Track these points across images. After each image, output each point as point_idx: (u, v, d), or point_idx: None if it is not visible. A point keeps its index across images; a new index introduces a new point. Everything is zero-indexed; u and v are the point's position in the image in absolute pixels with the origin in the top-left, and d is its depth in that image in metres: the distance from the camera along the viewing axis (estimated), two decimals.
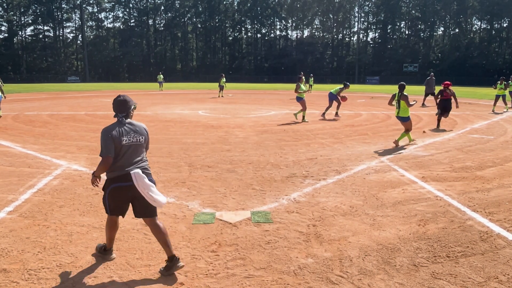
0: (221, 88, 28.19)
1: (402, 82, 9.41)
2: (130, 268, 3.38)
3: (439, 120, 12.55)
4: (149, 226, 3.41)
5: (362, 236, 4.07)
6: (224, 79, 28.31)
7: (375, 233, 4.15)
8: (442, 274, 3.31)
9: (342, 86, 15.37)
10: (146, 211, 3.35)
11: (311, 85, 35.37)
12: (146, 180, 3.26)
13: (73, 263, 3.46)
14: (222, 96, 27.61)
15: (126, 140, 3.26)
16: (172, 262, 3.27)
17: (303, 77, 14.53)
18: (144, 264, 3.45)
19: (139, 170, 3.26)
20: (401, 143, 9.42)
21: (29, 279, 3.18)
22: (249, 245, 3.84)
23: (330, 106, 15.22)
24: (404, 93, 9.12)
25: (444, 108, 12.34)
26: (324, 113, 15.13)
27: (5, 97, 15.48)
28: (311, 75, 37.54)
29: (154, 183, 3.39)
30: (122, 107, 3.36)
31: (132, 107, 3.44)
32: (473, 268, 3.42)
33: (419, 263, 3.49)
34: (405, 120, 9.24)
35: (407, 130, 9.24)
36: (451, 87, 12.30)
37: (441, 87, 12.47)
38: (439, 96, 12.37)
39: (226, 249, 3.75)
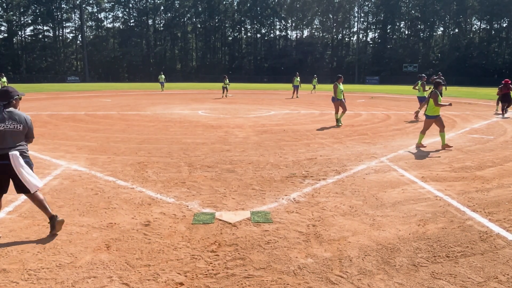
0: (224, 89, 27.78)
1: (438, 80, 9.03)
2: (130, 268, 3.37)
3: (503, 110, 16.21)
4: (30, 199, 4.02)
5: (362, 236, 4.07)
6: (227, 80, 27.89)
7: (374, 233, 4.15)
8: (442, 274, 3.31)
9: (421, 81, 14.65)
10: (25, 188, 3.85)
11: (315, 86, 35.02)
12: (22, 161, 3.78)
13: (72, 263, 3.45)
14: (225, 96, 27.22)
15: (3, 126, 3.74)
16: (53, 220, 3.92)
17: (342, 77, 13.18)
18: (144, 264, 3.45)
19: (17, 152, 3.78)
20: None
21: (29, 279, 3.17)
22: (249, 245, 3.84)
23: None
24: (436, 91, 8.77)
25: (505, 100, 16.22)
26: (417, 114, 14.70)
27: None
28: (315, 75, 36.94)
29: (31, 166, 3.93)
30: (2, 96, 3.85)
31: (16, 97, 3.92)
32: (472, 268, 3.42)
33: (418, 263, 3.49)
34: (430, 119, 8.89)
35: (441, 129, 8.84)
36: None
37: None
38: (501, 91, 16.48)
39: (226, 249, 3.75)
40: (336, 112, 12.86)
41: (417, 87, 15.15)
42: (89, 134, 10.60)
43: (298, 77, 28.63)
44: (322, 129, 12.10)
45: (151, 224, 4.35)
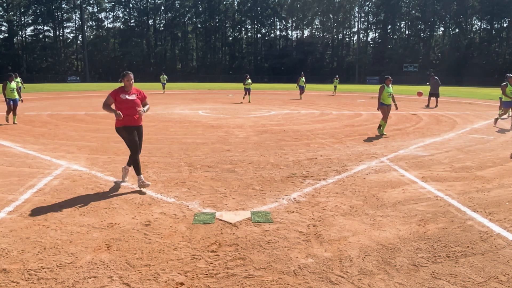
0: (247, 91, 23.70)
1: None
2: (130, 268, 3.38)
3: None
4: None
5: (362, 236, 4.07)
6: (249, 80, 23.71)
7: (375, 233, 4.15)
8: (442, 274, 3.30)
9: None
10: None
11: (336, 87, 33.07)
12: None
13: (73, 263, 3.45)
14: (249, 101, 23.23)
15: None
16: None
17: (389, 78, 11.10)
18: (144, 264, 3.45)
19: None
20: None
21: (29, 279, 3.17)
22: (249, 245, 3.84)
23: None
24: None
25: None
26: (497, 119, 13.23)
27: (21, 100, 13.52)
28: (336, 76, 35.02)
29: None
30: None
31: None
32: (473, 268, 3.42)
33: (419, 263, 3.49)
34: None
35: None
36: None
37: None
38: None
39: (226, 249, 3.75)
40: (384, 120, 10.79)
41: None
42: (90, 134, 10.61)
43: (303, 78, 27.15)
44: (322, 129, 12.08)
45: (151, 224, 4.35)
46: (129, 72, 5.59)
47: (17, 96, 12.77)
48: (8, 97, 12.54)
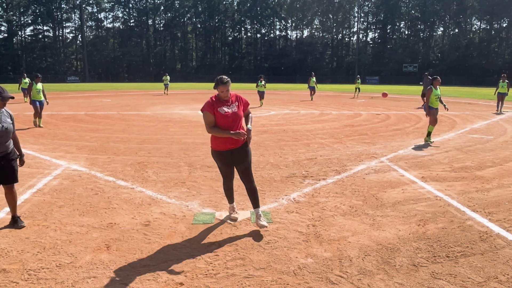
0: (261, 95, 20.89)
1: None
2: (130, 268, 3.37)
3: None
4: (6, 190, 4.23)
5: (362, 236, 4.07)
6: (262, 82, 20.86)
7: (374, 233, 4.15)
8: (442, 274, 3.31)
9: None
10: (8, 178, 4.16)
11: (359, 88, 29.91)
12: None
13: (72, 263, 3.45)
14: (261, 105, 20.59)
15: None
16: (15, 220, 4.27)
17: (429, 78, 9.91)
18: (144, 264, 3.45)
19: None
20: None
21: (29, 279, 3.17)
22: (249, 245, 3.84)
23: None
24: None
25: None
26: None
27: (47, 102, 12.58)
28: (358, 76, 32.11)
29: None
30: None
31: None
32: (472, 268, 3.42)
33: (418, 263, 3.49)
34: None
35: None
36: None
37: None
38: None
39: (226, 249, 3.75)
40: (432, 124, 9.62)
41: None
42: (89, 134, 10.60)
43: (314, 78, 25.53)
44: (322, 129, 12.08)
45: (151, 224, 4.35)
46: (226, 79, 4.08)
47: (42, 98, 12.19)
48: (34, 98, 12.01)
